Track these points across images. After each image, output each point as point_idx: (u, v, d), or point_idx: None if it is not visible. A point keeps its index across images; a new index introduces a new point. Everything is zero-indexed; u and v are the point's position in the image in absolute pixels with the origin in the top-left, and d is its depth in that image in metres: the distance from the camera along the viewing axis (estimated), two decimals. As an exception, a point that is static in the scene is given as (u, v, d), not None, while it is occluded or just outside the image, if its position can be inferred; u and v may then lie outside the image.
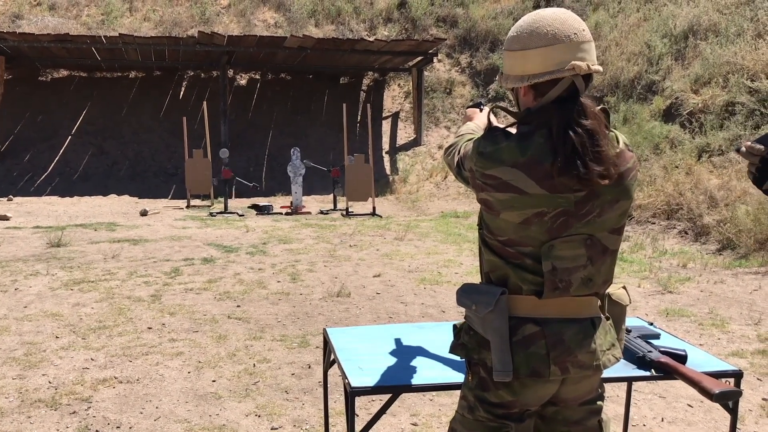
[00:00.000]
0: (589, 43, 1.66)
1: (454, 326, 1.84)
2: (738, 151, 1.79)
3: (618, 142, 1.69)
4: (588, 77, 1.67)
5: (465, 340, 1.76)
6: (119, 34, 14.22)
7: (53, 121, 15.43)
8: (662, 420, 3.64)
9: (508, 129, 1.71)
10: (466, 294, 1.76)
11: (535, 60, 1.64)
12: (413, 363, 2.27)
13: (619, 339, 1.98)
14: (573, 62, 1.61)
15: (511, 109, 1.78)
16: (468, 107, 2.21)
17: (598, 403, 1.80)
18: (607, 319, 1.80)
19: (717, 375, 2.18)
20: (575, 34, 1.63)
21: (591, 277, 1.69)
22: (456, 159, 1.82)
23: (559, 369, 1.65)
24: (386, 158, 15.55)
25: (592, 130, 1.61)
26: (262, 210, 12.13)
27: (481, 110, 2.15)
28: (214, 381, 4.05)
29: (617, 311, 2.00)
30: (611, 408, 3.66)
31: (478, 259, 1.82)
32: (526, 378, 1.65)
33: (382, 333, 2.60)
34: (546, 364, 1.64)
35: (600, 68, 1.68)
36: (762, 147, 1.72)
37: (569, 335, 1.67)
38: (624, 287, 2.10)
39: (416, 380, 2.12)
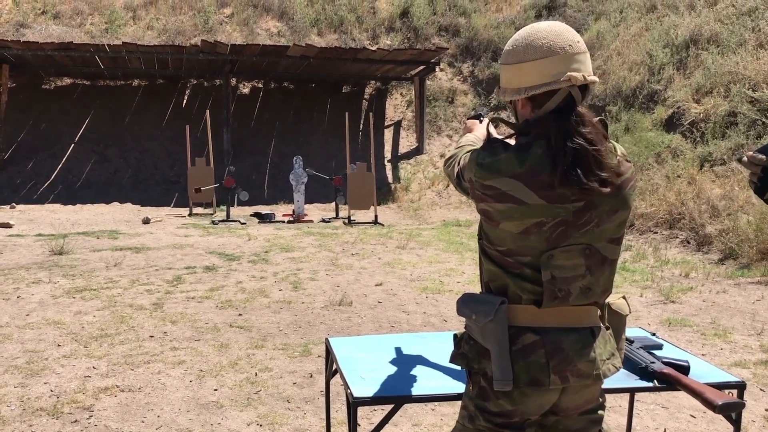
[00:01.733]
0: (584, 54, 1.68)
1: (455, 336, 1.85)
2: (740, 161, 1.80)
3: (616, 152, 1.71)
4: (585, 88, 1.69)
5: (465, 349, 1.77)
6: (122, 42, 14.28)
7: (56, 128, 15.48)
8: (665, 430, 3.63)
9: (507, 140, 1.72)
10: (465, 304, 1.77)
11: (531, 72, 1.67)
12: (415, 373, 2.27)
13: (619, 348, 1.98)
14: (569, 73, 1.64)
15: (510, 120, 1.79)
16: (468, 118, 2.23)
17: (599, 412, 1.80)
18: (607, 328, 1.81)
19: (720, 386, 2.18)
20: (570, 45, 1.66)
21: (590, 287, 1.69)
22: (456, 170, 1.84)
23: (559, 378, 1.66)
24: (388, 166, 15.57)
25: (592, 140, 1.63)
26: (264, 218, 12.14)
27: (481, 121, 2.17)
28: (215, 390, 4.04)
29: (617, 321, 2.00)
30: (614, 418, 3.66)
31: (479, 268, 1.83)
32: (526, 387, 1.66)
33: (385, 342, 2.60)
34: (546, 373, 1.65)
35: (596, 78, 1.70)
36: (764, 157, 1.73)
37: (568, 344, 1.67)
38: (624, 297, 2.10)
39: (418, 390, 2.13)
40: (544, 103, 1.67)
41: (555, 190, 1.60)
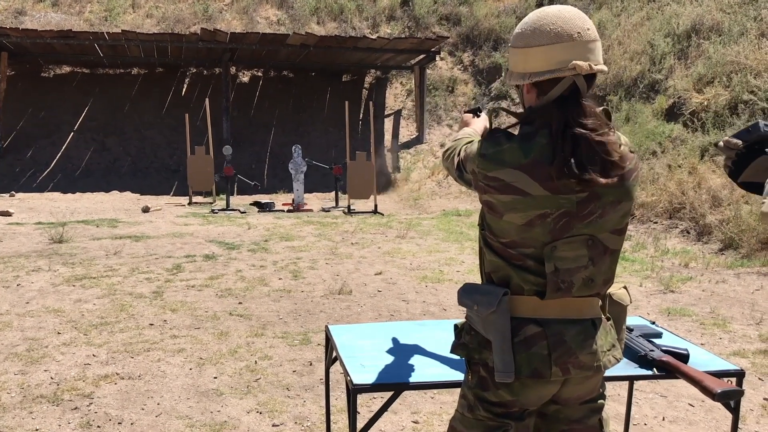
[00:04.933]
0: (594, 43, 1.64)
1: (456, 326, 1.84)
2: (716, 145, 1.84)
3: (620, 142, 1.69)
4: (591, 77, 1.66)
5: (466, 340, 1.76)
6: (122, 30, 14.21)
7: (55, 117, 15.44)
8: (663, 419, 3.64)
9: (510, 130, 1.71)
10: (467, 294, 1.75)
11: (537, 58, 1.64)
12: (415, 361, 2.27)
13: (620, 339, 1.98)
14: (574, 62, 1.60)
15: (512, 109, 1.78)
16: (465, 112, 2.18)
17: (600, 401, 1.80)
18: (608, 319, 1.80)
19: (719, 374, 2.18)
20: (579, 33, 1.62)
21: (592, 278, 1.68)
22: (456, 161, 1.81)
23: (561, 370, 1.65)
24: (388, 156, 15.55)
25: (593, 130, 1.60)
26: (263, 207, 12.13)
27: (478, 116, 2.14)
28: (215, 378, 4.05)
29: (618, 311, 2.00)
30: (612, 407, 3.66)
31: (479, 258, 1.82)
32: (527, 378, 1.65)
33: (384, 330, 2.60)
34: (547, 365, 1.64)
35: (605, 68, 1.66)
36: (739, 142, 1.75)
37: (570, 336, 1.67)
38: (625, 287, 2.09)
39: (418, 378, 2.13)
40: (549, 90, 1.64)
41: (558, 181, 1.59)
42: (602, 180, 1.59)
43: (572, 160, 1.57)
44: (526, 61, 1.66)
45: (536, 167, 1.59)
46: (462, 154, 1.78)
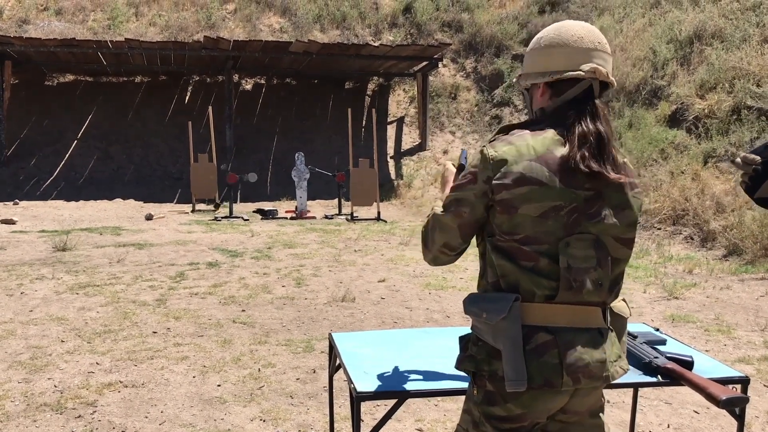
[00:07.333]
0: (609, 56, 1.76)
1: (461, 338, 1.80)
2: (733, 162, 1.86)
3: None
4: (604, 86, 1.75)
5: (473, 351, 1.72)
6: (125, 38, 14.28)
7: (59, 125, 15.50)
8: (668, 426, 3.62)
9: (505, 135, 1.73)
10: (474, 303, 1.72)
11: (560, 57, 1.72)
12: (418, 368, 2.27)
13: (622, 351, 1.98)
14: (594, 66, 1.70)
15: (514, 122, 1.79)
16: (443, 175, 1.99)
17: (600, 415, 1.80)
18: (611, 330, 1.79)
19: (723, 381, 2.17)
20: (599, 43, 1.74)
21: (601, 281, 1.68)
22: (449, 200, 1.73)
23: (572, 379, 1.63)
24: (391, 163, 15.56)
25: (604, 131, 1.69)
26: (266, 214, 12.14)
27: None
28: (219, 385, 4.05)
29: (619, 324, 1.99)
30: (617, 414, 3.65)
31: (480, 275, 1.78)
32: (538, 389, 1.63)
33: (388, 338, 2.60)
34: (559, 374, 1.62)
35: (614, 81, 1.77)
36: (757, 158, 1.77)
37: (581, 344, 1.65)
38: (624, 300, 2.09)
39: (421, 386, 2.12)
40: (565, 91, 1.71)
41: (570, 174, 1.64)
42: (612, 175, 1.65)
43: (585, 153, 1.64)
44: (548, 60, 1.73)
45: (551, 158, 1.64)
46: (457, 183, 1.74)
